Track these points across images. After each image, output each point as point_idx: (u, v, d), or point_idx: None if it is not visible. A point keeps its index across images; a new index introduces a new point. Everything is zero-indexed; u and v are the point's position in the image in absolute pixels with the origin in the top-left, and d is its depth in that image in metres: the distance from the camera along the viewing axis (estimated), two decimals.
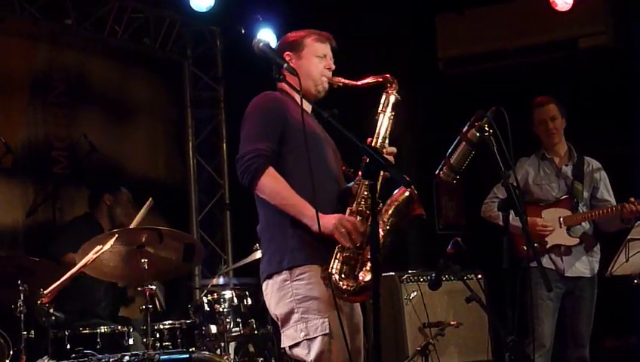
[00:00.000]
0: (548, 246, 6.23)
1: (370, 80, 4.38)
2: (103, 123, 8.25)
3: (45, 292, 5.29)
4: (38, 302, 5.38)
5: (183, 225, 8.40)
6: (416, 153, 8.57)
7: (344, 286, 4.05)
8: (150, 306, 5.85)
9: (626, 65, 7.92)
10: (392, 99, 4.42)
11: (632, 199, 6.02)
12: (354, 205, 4.14)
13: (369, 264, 3.99)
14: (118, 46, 8.35)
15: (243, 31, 8.35)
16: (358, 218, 4.10)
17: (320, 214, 3.99)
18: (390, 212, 4.18)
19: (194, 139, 9.08)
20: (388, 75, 4.42)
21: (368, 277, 4.02)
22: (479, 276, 7.03)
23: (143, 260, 5.82)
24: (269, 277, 4.18)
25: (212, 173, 9.13)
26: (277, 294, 4.16)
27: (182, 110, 9.07)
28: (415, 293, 7.09)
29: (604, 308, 6.45)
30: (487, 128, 4.27)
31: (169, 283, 6.88)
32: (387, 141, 4.33)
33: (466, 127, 4.37)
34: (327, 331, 4.04)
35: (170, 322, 6.54)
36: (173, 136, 9.07)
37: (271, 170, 4.09)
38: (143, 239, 5.83)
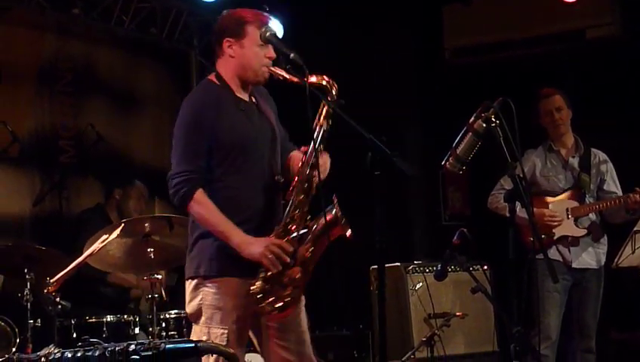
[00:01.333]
0: (555, 237, 6.22)
1: (312, 80, 4.14)
2: (109, 112, 8.25)
3: (52, 281, 5.30)
4: (45, 290, 5.40)
5: (187, 214, 8.39)
6: (422, 143, 8.56)
7: (268, 307, 4.09)
8: (156, 295, 5.87)
9: (633, 56, 7.90)
10: (327, 108, 4.17)
11: (638, 188, 6.02)
12: (281, 223, 4.13)
13: (290, 287, 4.06)
14: (125, 36, 8.35)
15: None
16: (287, 238, 4.09)
17: (246, 240, 4.04)
18: (316, 233, 4.13)
19: None
20: (327, 78, 4.19)
21: (288, 299, 4.08)
22: (485, 267, 7.04)
23: (149, 249, 5.83)
24: (189, 277, 4.25)
25: None
26: (190, 294, 4.23)
27: None
28: (421, 284, 7.09)
29: (611, 299, 6.45)
30: (493, 119, 4.27)
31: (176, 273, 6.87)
32: (321, 153, 4.20)
33: (472, 118, 4.36)
34: (225, 342, 4.10)
35: (175, 311, 6.55)
36: None
37: (198, 196, 4.11)
38: (149, 228, 5.84)
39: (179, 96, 9.01)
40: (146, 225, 5.87)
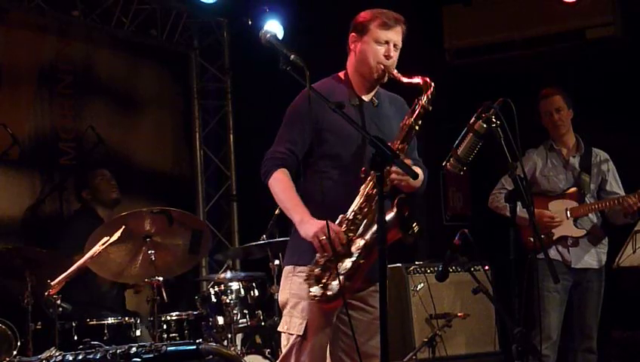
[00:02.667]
0: (555, 237, 6.22)
1: (414, 80, 4.33)
2: (109, 114, 8.24)
3: (52, 283, 5.30)
4: (46, 293, 5.40)
5: None
6: (423, 144, 8.55)
7: (312, 292, 4.13)
8: (157, 298, 5.87)
9: (634, 56, 7.89)
10: (421, 109, 4.32)
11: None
12: (348, 212, 4.16)
13: (340, 277, 4.06)
14: (125, 37, 8.35)
15: (250, 22, 8.33)
16: (346, 228, 4.11)
17: (306, 219, 4.11)
18: (372, 231, 4.14)
19: (201, 130, 9.07)
20: (427, 80, 4.36)
21: (335, 289, 4.08)
22: (486, 267, 7.03)
23: (150, 251, 5.83)
24: (285, 265, 4.38)
25: (219, 165, 9.13)
26: (283, 282, 4.36)
27: (189, 101, 9.06)
28: (422, 285, 7.09)
29: (612, 299, 6.45)
30: (494, 119, 4.28)
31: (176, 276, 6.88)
32: (404, 152, 4.27)
33: (473, 118, 4.37)
34: (302, 333, 4.19)
35: (177, 313, 6.55)
36: (180, 127, 9.07)
37: (278, 173, 4.22)
38: (150, 226, 5.83)
39: (179, 98, 9.06)
40: (147, 222, 5.87)
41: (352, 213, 4.14)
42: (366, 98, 4.39)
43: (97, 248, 5.37)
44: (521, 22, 8.32)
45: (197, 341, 5.98)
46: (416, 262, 7.28)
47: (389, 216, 4.06)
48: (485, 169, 5.46)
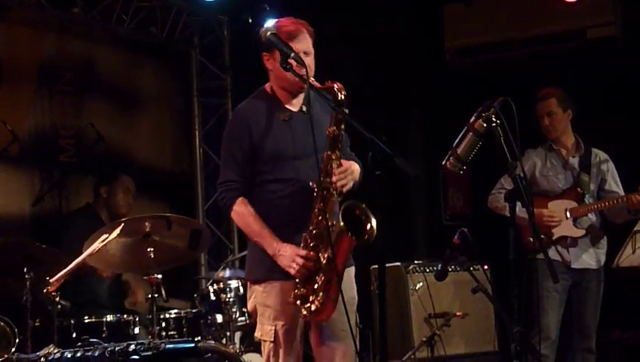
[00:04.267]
0: (554, 237, 6.22)
1: (326, 86, 4.19)
2: (109, 112, 8.24)
3: (51, 280, 5.29)
4: (44, 290, 5.39)
5: (189, 215, 8.39)
6: (422, 143, 8.56)
7: (305, 311, 4.24)
8: (156, 295, 5.87)
9: (635, 56, 7.89)
10: (339, 115, 4.20)
11: None
12: (308, 230, 4.23)
13: (320, 292, 4.19)
14: (125, 35, 8.34)
15: (250, 20, 8.33)
16: (312, 244, 4.21)
17: (276, 253, 4.25)
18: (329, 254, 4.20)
19: (201, 128, 9.07)
20: (337, 85, 4.18)
21: (319, 304, 4.19)
22: (485, 267, 7.02)
23: (149, 249, 5.83)
24: (245, 279, 4.69)
25: (219, 163, 9.07)
26: (248, 293, 4.54)
27: (189, 99, 9.06)
28: (421, 284, 7.09)
29: (611, 299, 6.44)
30: (494, 119, 4.27)
31: (175, 273, 6.87)
32: (338, 161, 4.25)
33: (473, 118, 4.37)
34: (272, 339, 4.33)
35: (175, 311, 6.56)
36: (180, 125, 9.07)
37: (237, 206, 4.35)
38: (149, 228, 5.84)
39: (179, 96, 9.06)
40: (147, 224, 5.87)
41: (311, 230, 4.22)
42: (295, 108, 4.40)
43: (97, 245, 5.35)
44: (521, 21, 8.31)
45: (196, 339, 5.99)
46: (416, 261, 7.27)
47: (336, 226, 4.13)
48: (485, 168, 5.45)
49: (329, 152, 4.23)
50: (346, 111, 4.15)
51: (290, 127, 4.34)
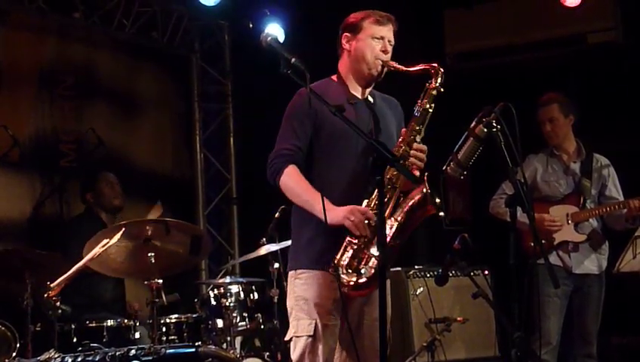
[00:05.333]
0: (555, 242, 6.21)
1: (419, 67, 4.37)
2: (110, 116, 8.25)
3: (52, 285, 5.29)
4: (45, 295, 5.39)
5: (190, 219, 8.40)
6: None
7: (346, 281, 4.11)
8: (157, 300, 5.87)
9: (635, 61, 7.89)
10: (434, 92, 4.38)
11: None
12: (372, 198, 4.16)
13: (373, 261, 4.08)
14: (126, 40, 8.35)
15: (251, 25, 8.34)
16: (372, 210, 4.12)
17: (331, 206, 4.05)
18: (405, 211, 4.18)
19: (201, 133, 9.08)
20: (436, 65, 4.39)
21: (370, 274, 4.09)
22: (486, 272, 7.05)
23: (149, 254, 5.83)
24: (289, 270, 4.37)
25: (219, 168, 9.13)
26: (288, 288, 4.35)
27: (189, 104, 9.07)
28: (421, 289, 7.08)
29: (612, 305, 6.44)
30: (495, 124, 4.27)
31: (176, 279, 6.86)
32: (421, 135, 4.32)
33: (473, 123, 4.37)
34: (312, 333, 4.17)
35: (176, 316, 6.55)
36: (181, 130, 9.07)
37: (289, 169, 4.19)
38: (150, 232, 5.84)
39: (180, 101, 9.07)
40: (148, 227, 5.88)
41: (375, 197, 4.13)
42: (360, 96, 4.42)
43: (97, 250, 5.36)
44: (522, 26, 8.31)
45: (196, 344, 6.00)
46: (416, 266, 7.27)
47: (419, 195, 4.13)
48: (486, 173, 5.45)
49: (416, 125, 4.28)
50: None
51: (356, 111, 4.31)
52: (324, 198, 4.00)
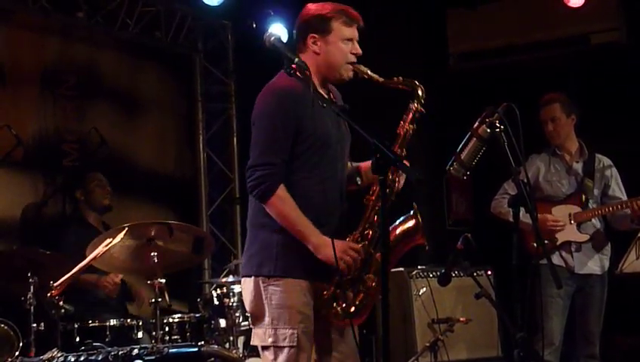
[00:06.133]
0: (558, 243, 6.21)
1: (397, 82, 4.23)
2: (113, 116, 8.25)
3: (55, 284, 5.30)
4: (48, 294, 5.39)
5: (192, 219, 8.42)
6: (426, 148, 8.55)
7: (340, 311, 4.11)
8: (159, 300, 5.87)
9: (638, 62, 7.89)
10: (417, 114, 4.27)
11: None
12: (358, 230, 4.15)
13: (362, 294, 4.10)
14: (129, 39, 8.35)
15: (254, 25, 8.34)
16: (363, 244, 4.11)
17: (324, 242, 4.00)
18: (393, 239, 4.18)
19: (204, 133, 9.08)
20: (416, 82, 4.28)
21: (360, 306, 4.11)
22: (489, 272, 7.05)
23: (152, 253, 5.84)
24: (248, 276, 4.19)
25: (222, 168, 9.13)
26: (251, 293, 4.17)
27: (192, 104, 9.07)
28: (424, 289, 7.09)
29: (615, 305, 6.43)
30: (497, 124, 4.28)
31: (178, 278, 6.86)
32: (403, 158, 4.21)
33: (476, 123, 4.37)
34: (295, 343, 4.07)
35: (179, 316, 6.55)
36: (184, 130, 9.07)
37: (280, 192, 4.03)
38: (153, 233, 5.85)
39: (183, 100, 9.07)
40: (151, 228, 5.89)
41: (361, 229, 4.13)
42: (326, 96, 4.25)
43: (100, 249, 5.37)
44: (525, 27, 8.32)
45: (199, 343, 6.01)
46: (419, 267, 7.27)
47: (410, 223, 4.08)
48: (489, 174, 5.45)
49: (399, 148, 4.19)
50: (347, 107, 4.14)
51: (327, 114, 4.13)
52: (317, 231, 4.00)
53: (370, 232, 4.13)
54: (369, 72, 4.23)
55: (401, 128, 4.25)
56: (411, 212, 4.17)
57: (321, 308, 4.13)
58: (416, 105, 4.26)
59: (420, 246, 4.18)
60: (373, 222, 4.13)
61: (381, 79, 4.21)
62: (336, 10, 4.22)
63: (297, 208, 4.04)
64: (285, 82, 4.14)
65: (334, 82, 4.29)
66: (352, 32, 4.22)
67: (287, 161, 4.07)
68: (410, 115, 4.25)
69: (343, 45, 4.19)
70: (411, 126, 4.26)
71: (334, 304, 4.09)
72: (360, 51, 4.24)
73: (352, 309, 4.11)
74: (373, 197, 4.17)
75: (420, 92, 4.26)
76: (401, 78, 4.24)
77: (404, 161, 4.01)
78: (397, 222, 4.23)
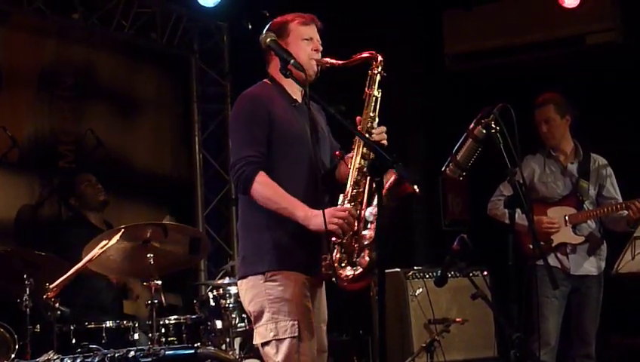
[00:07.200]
0: (553, 244, 6.21)
1: (355, 58, 4.34)
2: (109, 117, 8.25)
3: (51, 286, 5.29)
4: (44, 296, 5.39)
5: (188, 220, 8.41)
6: (422, 149, 8.56)
7: (343, 275, 4.11)
8: (155, 301, 5.87)
9: (634, 62, 7.90)
10: (378, 77, 4.35)
11: None
12: (347, 191, 4.17)
13: (364, 252, 4.08)
14: (125, 41, 8.35)
15: (250, 26, 8.34)
16: (351, 204, 4.14)
17: (311, 213, 4.07)
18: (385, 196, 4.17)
19: (200, 134, 9.08)
20: (373, 52, 4.38)
21: (364, 265, 4.08)
22: (485, 273, 7.05)
23: (148, 255, 5.84)
24: (244, 277, 4.27)
25: (218, 169, 9.13)
26: (250, 292, 4.25)
27: (188, 105, 9.07)
28: (420, 290, 7.09)
29: (611, 306, 6.44)
30: (493, 125, 4.28)
31: (174, 279, 6.87)
32: (376, 121, 4.29)
33: (472, 124, 4.37)
34: (296, 334, 4.13)
35: (175, 317, 6.55)
36: (180, 131, 9.07)
37: (260, 177, 4.14)
38: (149, 234, 5.85)
39: (178, 101, 9.06)
40: (146, 230, 5.89)
41: (350, 189, 4.16)
42: (299, 99, 4.40)
43: (96, 251, 5.36)
44: (521, 27, 8.32)
45: (195, 345, 5.99)
46: (415, 267, 7.28)
47: (391, 179, 4.06)
48: (484, 175, 5.45)
49: (370, 112, 4.26)
50: (343, 108, 4.13)
51: (299, 113, 4.31)
52: (302, 204, 4.08)
53: (360, 190, 4.15)
54: (329, 59, 4.35)
55: (366, 93, 4.32)
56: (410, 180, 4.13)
57: (327, 277, 4.16)
58: (375, 69, 4.35)
59: (413, 195, 4.06)
60: (358, 183, 4.16)
61: (341, 61, 4.33)
62: (290, 15, 4.43)
63: (279, 188, 4.14)
64: (256, 89, 4.35)
65: (304, 81, 4.28)
66: (310, 31, 4.39)
67: (265, 153, 4.19)
68: (373, 79, 4.34)
69: (302, 44, 4.34)
70: (377, 90, 4.33)
71: (338, 269, 4.09)
72: (320, 47, 4.38)
73: (359, 271, 4.08)
74: (355, 160, 4.20)
75: (379, 58, 4.36)
76: (357, 55, 4.35)
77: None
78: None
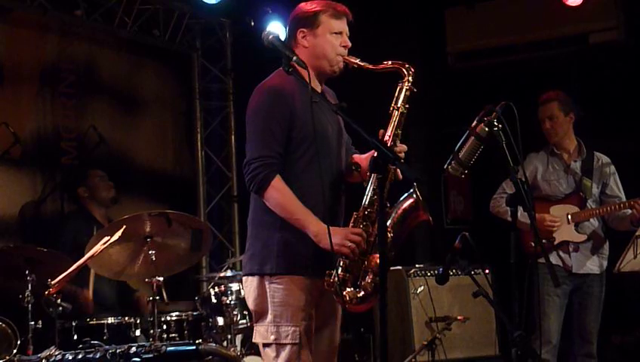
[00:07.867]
0: (556, 242, 6.21)
1: (387, 65, 4.28)
2: (111, 114, 8.25)
3: (53, 282, 5.30)
4: (46, 292, 5.40)
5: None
6: (424, 147, 8.56)
7: (346, 296, 4.08)
8: (157, 298, 5.88)
9: (637, 61, 7.89)
10: (406, 92, 4.31)
11: None
12: (360, 209, 4.14)
13: (371, 274, 4.07)
14: (128, 37, 8.35)
15: (252, 23, 8.34)
16: (364, 224, 4.10)
17: (324, 230, 3.96)
18: (396, 220, 4.17)
19: (202, 131, 9.08)
20: (406, 64, 4.32)
21: (370, 287, 4.07)
22: (486, 271, 7.04)
23: (150, 252, 5.84)
24: (250, 274, 4.22)
25: (220, 166, 9.13)
26: (255, 291, 4.21)
27: (191, 102, 9.07)
28: (422, 288, 7.09)
29: (612, 304, 6.44)
30: (496, 123, 4.28)
31: (176, 275, 6.87)
32: (399, 138, 4.24)
33: (474, 122, 4.37)
34: (297, 341, 4.10)
35: (176, 314, 6.56)
36: (182, 128, 9.07)
37: (276, 182, 4.06)
38: (150, 229, 5.84)
39: (181, 98, 9.07)
40: (147, 222, 5.88)
41: (363, 209, 4.12)
42: (319, 91, 4.28)
43: (98, 247, 5.37)
44: (524, 26, 8.32)
45: (197, 341, 6.01)
46: (417, 265, 7.28)
47: (410, 201, 4.09)
48: (486, 172, 5.45)
49: (393, 129, 4.20)
50: (345, 105, 4.09)
51: (320, 109, 4.16)
52: (316, 219, 4.00)
53: (373, 212, 4.11)
54: (359, 61, 4.27)
55: (393, 108, 4.28)
56: (410, 190, 4.14)
57: (330, 295, 4.12)
58: (405, 83, 4.30)
59: (425, 222, 4.16)
60: (372, 203, 4.11)
61: (371, 66, 4.25)
62: (323, 4, 4.29)
63: (295, 197, 4.06)
64: (278, 80, 4.20)
65: (326, 76, 4.29)
66: (340, 25, 4.28)
67: (283, 154, 4.10)
68: (402, 94, 4.30)
69: (331, 38, 4.25)
70: (404, 105, 4.29)
71: (342, 289, 4.05)
72: (349, 43, 4.29)
73: (362, 294, 4.08)
74: (372, 177, 4.14)
75: (409, 71, 4.31)
76: (389, 61, 4.29)
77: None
78: (397, 203, 4.21)
